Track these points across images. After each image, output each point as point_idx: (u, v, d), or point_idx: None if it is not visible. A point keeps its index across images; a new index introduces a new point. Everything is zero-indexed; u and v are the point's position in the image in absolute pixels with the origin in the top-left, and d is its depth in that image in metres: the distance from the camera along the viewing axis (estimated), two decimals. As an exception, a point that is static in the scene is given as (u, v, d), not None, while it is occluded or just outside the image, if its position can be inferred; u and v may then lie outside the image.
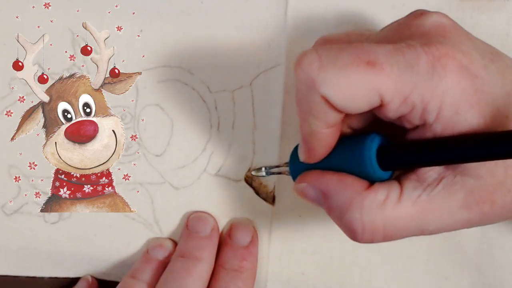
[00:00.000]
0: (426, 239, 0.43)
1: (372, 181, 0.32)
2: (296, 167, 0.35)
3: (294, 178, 0.35)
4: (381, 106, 0.29)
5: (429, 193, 0.30)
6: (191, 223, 0.43)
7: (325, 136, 0.31)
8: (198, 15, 0.43)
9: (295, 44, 0.42)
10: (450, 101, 0.29)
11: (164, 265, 0.42)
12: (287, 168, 0.37)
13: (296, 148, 0.35)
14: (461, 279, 0.43)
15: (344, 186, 0.32)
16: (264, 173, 0.41)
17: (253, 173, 0.42)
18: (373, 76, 0.28)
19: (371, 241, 0.31)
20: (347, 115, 0.31)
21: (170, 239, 0.44)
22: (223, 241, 0.43)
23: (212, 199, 0.43)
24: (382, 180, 0.32)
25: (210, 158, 0.43)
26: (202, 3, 0.43)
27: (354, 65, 0.28)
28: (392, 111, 0.30)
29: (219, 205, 0.43)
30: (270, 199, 0.43)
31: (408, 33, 0.31)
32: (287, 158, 0.42)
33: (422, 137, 0.30)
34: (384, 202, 0.31)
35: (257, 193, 0.43)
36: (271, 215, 0.43)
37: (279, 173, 0.41)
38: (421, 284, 0.43)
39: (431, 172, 0.30)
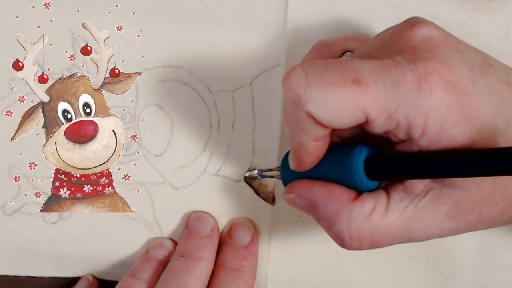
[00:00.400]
0: (426, 239, 0.43)
1: (359, 191, 0.32)
2: (287, 173, 0.36)
3: (284, 184, 0.36)
4: (366, 122, 0.30)
5: (416, 204, 0.31)
6: (191, 223, 0.43)
7: (313, 149, 0.32)
8: (198, 15, 0.43)
9: (295, 44, 0.42)
10: (435, 118, 0.29)
11: (164, 264, 0.42)
12: (279, 172, 0.37)
13: (286, 155, 0.35)
14: (461, 279, 0.43)
15: (332, 197, 0.32)
16: (256, 175, 0.42)
17: (246, 174, 0.43)
18: (359, 95, 0.29)
19: (359, 248, 0.32)
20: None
21: (170, 239, 0.44)
22: (224, 241, 0.43)
23: (212, 199, 0.43)
24: (369, 190, 0.32)
25: (210, 158, 0.43)
26: (202, 3, 0.43)
27: (340, 84, 0.29)
28: (378, 127, 0.30)
29: (219, 205, 0.43)
30: (270, 199, 0.43)
31: (398, 46, 0.31)
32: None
33: (409, 150, 0.31)
34: (371, 213, 0.31)
35: (257, 193, 0.43)
36: (271, 215, 0.43)
37: (272, 176, 0.41)
38: (421, 284, 0.43)
39: (419, 184, 0.31)
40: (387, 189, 0.32)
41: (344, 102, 0.29)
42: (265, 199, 0.43)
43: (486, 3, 0.42)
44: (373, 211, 0.31)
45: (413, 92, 0.29)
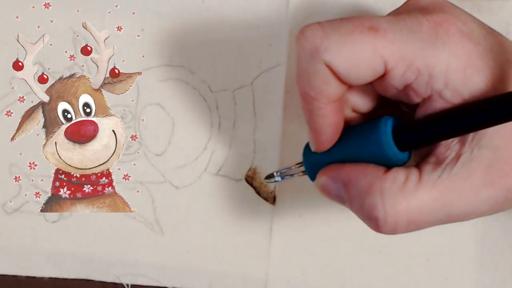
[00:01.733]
0: (426, 239, 0.43)
1: (390, 166, 0.31)
2: (311, 163, 0.34)
3: (310, 177, 0.35)
4: (385, 74, 0.29)
5: (449, 172, 0.30)
6: None
7: (327, 112, 0.31)
8: (199, 14, 0.43)
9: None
10: (456, 65, 0.29)
11: None
12: (301, 168, 0.36)
13: (306, 146, 0.35)
14: (461, 279, 0.43)
15: (364, 172, 0.31)
16: (278, 178, 0.39)
17: (265, 181, 0.41)
18: (376, 41, 0.28)
19: (394, 228, 0.30)
20: (351, 95, 0.31)
21: None
22: None
23: (213, 198, 0.43)
24: (401, 163, 0.31)
25: (211, 157, 0.43)
26: (203, 3, 0.43)
27: (357, 31, 0.29)
28: (397, 79, 0.29)
29: (220, 204, 0.43)
30: (271, 199, 0.43)
31: (406, 10, 0.31)
32: (287, 158, 0.42)
33: (431, 111, 0.30)
34: (404, 184, 0.30)
35: (258, 192, 0.43)
36: (272, 215, 0.43)
37: (292, 175, 0.39)
38: (421, 284, 0.43)
39: (449, 151, 0.30)
40: (417, 166, 0.31)
41: (362, 50, 0.29)
42: (266, 199, 0.43)
43: (486, 3, 0.42)
44: (406, 182, 0.30)
45: (431, 38, 0.29)
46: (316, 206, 0.43)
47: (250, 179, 0.43)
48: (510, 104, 0.27)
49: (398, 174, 0.30)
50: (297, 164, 0.37)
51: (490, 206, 0.30)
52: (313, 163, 0.34)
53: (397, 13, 0.31)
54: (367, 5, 0.42)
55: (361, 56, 0.29)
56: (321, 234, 0.43)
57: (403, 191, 0.30)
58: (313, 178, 0.35)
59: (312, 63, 0.29)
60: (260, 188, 0.43)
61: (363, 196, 0.30)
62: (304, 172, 0.36)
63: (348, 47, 0.29)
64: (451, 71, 0.29)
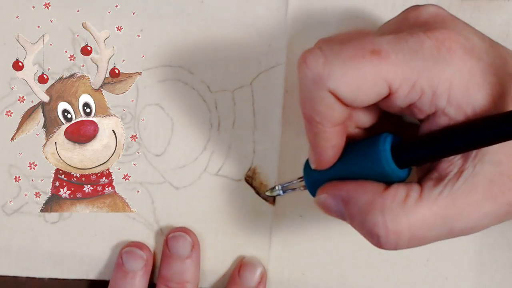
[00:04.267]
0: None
1: (390, 183, 0.31)
2: (311, 179, 0.35)
3: (311, 192, 0.35)
4: (389, 95, 0.29)
5: (451, 188, 0.29)
6: (170, 244, 0.42)
7: (332, 135, 0.31)
8: (198, 14, 0.43)
9: (295, 44, 0.42)
10: (459, 82, 0.29)
11: (142, 274, 0.42)
12: (302, 183, 0.36)
13: (307, 162, 0.35)
14: (461, 279, 0.43)
15: (364, 189, 0.31)
16: (280, 192, 0.40)
17: (267, 193, 0.41)
18: (379, 64, 0.28)
19: (396, 244, 0.30)
20: (354, 112, 0.31)
21: (142, 244, 0.43)
22: (232, 279, 0.43)
23: (213, 198, 0.43)
24: (400, 180, 0.31)
25: (210, 157, 0.43)
26: (202, 3, 0.43)
27: (359, 56, 0.28)
28: (401, 99, 0.29)
29: (220, 205, 0.43)
30: (271, 199, 0.43)
31: (407, 25, 0.31)
32: (287, 158, 0.42)
33: (435, 127, 0.30)
34: (404, 200, 0.30)
35: (258, 193, 0.43)
36: (272, 215, 0.43)
37: (294, 189, 0.39)
38: (421, 284, 0.43)
39: (452, 167, 0.30)
40: (419, 181, 0.31)
41: (365, 74, 0.28)
42: (265, 199, 0.43)
43: (486, 3, 0.42)
44: (407, 198, 0.30)
45: (434, 57, 0.29)
46: (316, 206, 0.43)
47: (250, 179, 0.43)
48: (509, 124, 0.27)
49: (398, 191, 0.30)
50: (299, 178, 0.37)
51: (491, 220, 0.30)
52: (314, 179, 0.34)
53: (397, 29, 0.31)
54: (366, 7, 0.42)
55: (364, 81, 0.28)
56: (321, 234, 0.43)
57: (403, 207, 0.29)
58: (313, 193, 0.35)
59: (316, 91, 0.29)
60: (260, 188, 0.43)
61: (363, 214, 0.30)
62: (305, 187, 0.36)
63: (351, 73, 0.28)
64: (454, 89, 0.29)
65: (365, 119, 0.33)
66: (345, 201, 0.32)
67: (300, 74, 0.30)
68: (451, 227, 0.30)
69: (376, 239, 0.30)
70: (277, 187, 0.40)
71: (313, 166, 0.33)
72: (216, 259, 0.44)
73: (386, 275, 0.43)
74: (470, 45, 0.29)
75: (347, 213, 0.32)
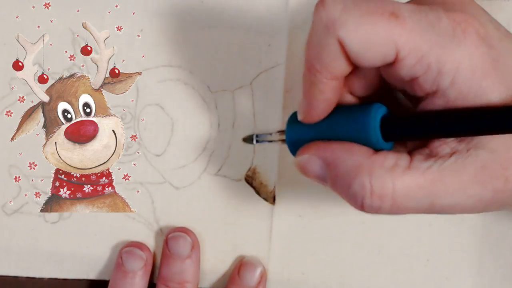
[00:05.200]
0: (426, 239, 0.43)
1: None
2: (293, 136, 0.34)
3: (291, 150, 0.34)
4: (394, 62, 0.29)
5: (440, 165, 0.29)
6: (170, 244, 0.42)
7: (327, 88, 0.31)
8: (198, 14, 0.43)
9: (295, 44, 0.42)
10: (466, 66, 0.29)
11: (142, 274, 0.42)
12: (281, 137, 0.36)
13: (292, 115, 0.34)
14: (461, 279, 0.43)
15: (351, 152, 0.30)
16: (254, 142, 0.40)
17: (243, 141, 0.41)
18: (395, 27, 0.28)
19: (378, 208, 0.30)
20: (353, 75, 0.31)
21: (142, 243, 0.43)
22: (232, 279, 0.43)
23: (213, 198, 0.43)
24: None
25: (210, 157, 0.43)
26: (202, 3, 0.43)
27: (378, 13, 0.28)
28: (405, 69, 0.29)
29: (219, 205, 0.43)
30: (271, 198, 0.43)
31: (430, 2, 0.31)
32: (287, 158, 0.42)
33: (432, 108, 0.30)
34: (393, 168, 0.29)
35: (258, 192, 0.43)
36: (272, 215, 0.43)
37: (270, 141, 0.39)
38: (421, 284, 0.43)
39: (444, 146, 0.30)
40: (409, 153, 0.31)
41: (378, 32, 0.28)
42: (265, 199, 0.43)
43: (486, 3, 0.42)
44: (395, 166, 0.30)
45: (448, 36, 0.28)
46: (316, 206, 0.43)
47: (249, 179, 0.43)
48: (500, 118, 0.27)
49: (387, 157, 0.30)
50: (279, 131, 0.37)
51: (475, 203, 0.30)
52: (296, 136, 0.34)
53: (420, 2, 0.31)
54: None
55: (375, 39, 0.28)
56: (320, 234, 0.43)
57: (391, 174, 0.29)
58: (293, 151, 0.34)
59: (325, 36, 0.29)
60: (260, 188, 0.43)
61: (350, 176, 0.30)
62: (283, 141, 0.35)
63: (365, 27, 0.28)
64: (460, 71, 0.29)
65: (361, 87, 0.33)
66: (330, 162, 0.31)
67: (315, 15, 0.29)
68: (433, 201, 0.30)
69: (360, 202, 0.30)
70: (254, 137, 0.39)
71: (300, 117, 0.33)
72: (216, 259, 0.44)
73: (386, 275, 0.43)
74: (484, 31, 0.29)
75: (330, 175, 0.31)
